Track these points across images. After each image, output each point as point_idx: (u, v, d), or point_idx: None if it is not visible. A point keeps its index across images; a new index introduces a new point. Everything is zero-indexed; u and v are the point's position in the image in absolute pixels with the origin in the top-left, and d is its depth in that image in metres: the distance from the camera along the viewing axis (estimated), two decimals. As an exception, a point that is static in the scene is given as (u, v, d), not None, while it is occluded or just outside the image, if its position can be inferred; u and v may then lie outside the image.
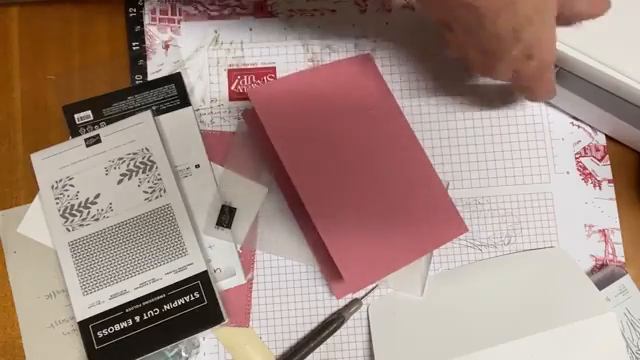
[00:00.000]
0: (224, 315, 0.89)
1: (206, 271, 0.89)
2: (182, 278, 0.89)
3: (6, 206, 0.93)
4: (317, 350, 0.91)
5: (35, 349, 0.90)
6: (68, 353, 0.89)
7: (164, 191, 0.91)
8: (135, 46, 0.97)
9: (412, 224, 0.90)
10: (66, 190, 0.91)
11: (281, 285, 0.93)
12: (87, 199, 0.90)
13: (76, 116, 0.94)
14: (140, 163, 0.91)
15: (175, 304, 0.88)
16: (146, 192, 0.91)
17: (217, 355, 0.91)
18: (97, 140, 0.92)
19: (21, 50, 0.97)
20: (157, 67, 0.97)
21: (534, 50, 0.77)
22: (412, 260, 0.90)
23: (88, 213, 0.90)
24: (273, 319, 0.92)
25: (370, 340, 0.91)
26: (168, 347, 0.88)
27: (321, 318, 0.92)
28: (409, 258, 0.89)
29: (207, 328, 0.89)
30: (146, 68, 0.97)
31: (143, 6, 0.98)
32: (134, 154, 0.92)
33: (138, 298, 0.88)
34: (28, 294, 0.91)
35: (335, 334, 0.91)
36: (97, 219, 0.90)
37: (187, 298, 0.89)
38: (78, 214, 0.90)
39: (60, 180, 0.91)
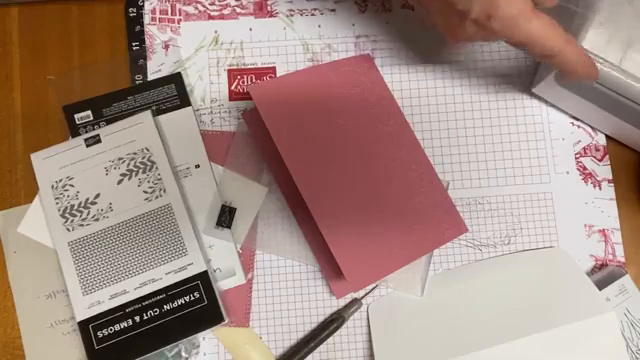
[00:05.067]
0: (224, 315, 0.89)
1: (206, 271, 0.89)
2: (182, 278, 0.89)
3: (6, 206, 0.93)
4: (317, 350, 0.91)
5: (35, 349, 0.90)
6: (68, 353, 0.89)
7: (164, 191, 0.91)
8: (135, 46, 0.97)
9: (412, 224, 0.90)
10: (66, 190, 0.91)
11: (281, 285, 0.93)
12: (87, 199, 0.90)
13: (76, 116, 0.94)
14: (140, 163, 0.91)
15: (175, 304, 0.88)
16: (146, 192, 0.91)
17: (217, 355, 0.91)
18: (97, 140, 0.92)
19: (21, 50, 0.97)
20: (157, 67, 0.97)
21: (491, 10, 0.73)
22: (412, 260, 0.89)
23: (88, 213, 0.90)
24: (273, 319, 0.92)
25: (370, 340, 0.91)
26: (168, 347, 0.88)
27: (321, 318, 0.92)
28: (409, 258, 0.89)
29: (207, 328, 0.89)
30: (146, 68, 0.97)
31: (143, 6, 0.98)
32: (134, 154, 0.92)
33: (138, 298, 0.88)
34: (28, 294, 0.91)
35: (335, 334, 0.91)
36: (97, 219, 0.90)
37: (187, 298, 0.89)
38: (78, 214, 0.90)
39: (60, 180, 0.91)
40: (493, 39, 0.78)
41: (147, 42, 0.97)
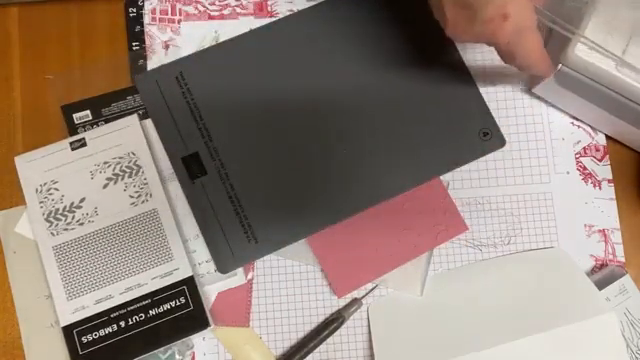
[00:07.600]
0: (210, 320, 0.89)
1: (192, 276, 0.89)
2: (168, 283, 0.89)
3: (6, 206, 0.94)
4: (317, 350, 0.91)
5: (35, 349, 0.91)
6: (68, 353, 0.90)
7: (150, 196, 0.91)
8: (135, 46, 0.97)
9: (412, 223, 0.91)
10: (50, 194, 0.91)
11: (281, 285, 0.93)
12: (72, 203, 0.90)
13: (75, 116, 0.94)
14: (126, 167, 0.91)
15: (161, 309, 0.88)
16: (132, 197, 0.91)
17: (217, 355, 0.91)
18: (82, 144, 0.92)
19: (21, 50, 0.98)
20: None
21: (509, 8, 0.73)
22: (412, 258, 0.91)
23: (73, 217, 0.90)
24: (273, 319, 0.93)
25: (370, 340, 0.91)
26: (162, 349, 0.89)
27: (321, 318, 0.93)
28: (409, 256, 0.91)
29: (192, 333, 0.89)
30: (146, 68, 0.97)
31: (143, 6, 0.98)
32: (120, 158, 0.92)
33: (123, 303, 0.88)
34: (28, 294, 0.91)
35: (335, 334, 0.91)
36: (82, 223, 0.90)
37: (173, 303, 0.89)
38: (63, 218, 0.90)
39: (44, 184, 0.91)
40: (496, 43, 0.77)
41: (147, 42, 0.98)
